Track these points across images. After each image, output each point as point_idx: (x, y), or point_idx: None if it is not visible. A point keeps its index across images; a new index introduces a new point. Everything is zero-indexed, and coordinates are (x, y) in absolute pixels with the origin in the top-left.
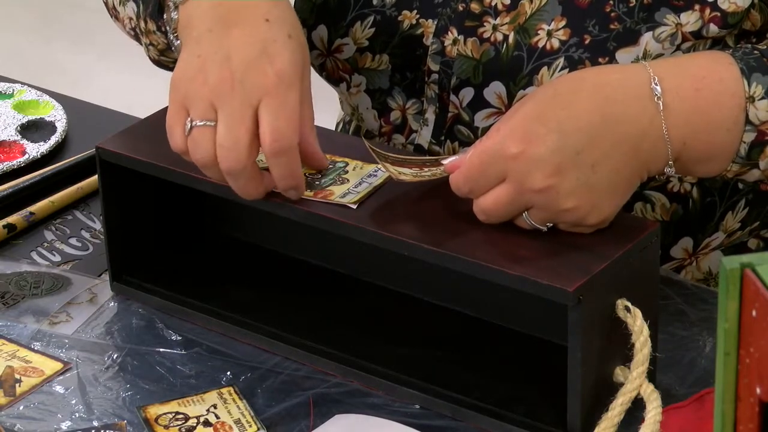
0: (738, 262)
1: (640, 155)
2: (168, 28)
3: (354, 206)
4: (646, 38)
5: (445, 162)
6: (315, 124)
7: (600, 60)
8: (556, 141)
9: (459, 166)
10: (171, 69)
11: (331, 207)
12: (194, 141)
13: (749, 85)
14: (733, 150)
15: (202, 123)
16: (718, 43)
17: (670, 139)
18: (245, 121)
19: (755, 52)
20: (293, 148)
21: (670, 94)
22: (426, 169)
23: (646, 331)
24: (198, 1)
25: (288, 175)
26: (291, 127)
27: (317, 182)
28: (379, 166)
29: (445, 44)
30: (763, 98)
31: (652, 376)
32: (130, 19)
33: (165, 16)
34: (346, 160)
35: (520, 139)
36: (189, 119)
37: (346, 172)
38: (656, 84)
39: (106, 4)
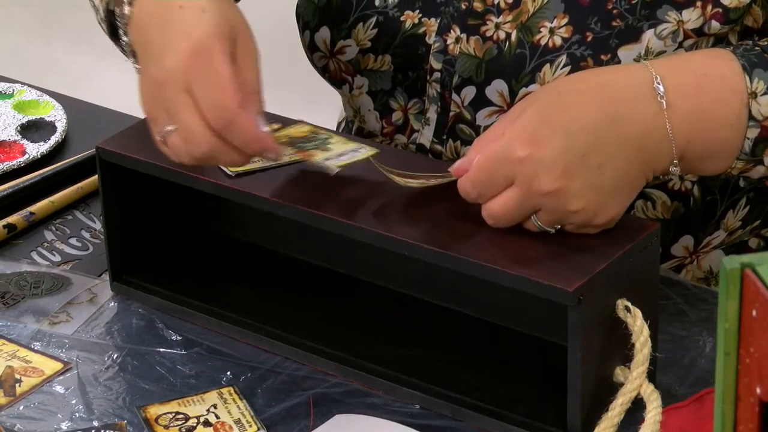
0: (738, 262)
1: (645, 155)
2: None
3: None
4: (648, 35)
5: (450, 168)
6: (315, 123)
7: (602, 57)
8: (562, 143)
9: (466, 168)
10: None
11: (331, 205)
12: (170, 149)
13: (751, 81)
14: (737, 146)
15: (168, 129)
16: (721, 41)
17: (674, 137)
18: (186, 106)
19: (756, 48)
20: (237, 115)
21: (672, 93)
22: (433, 180)
23: (646, 331)
24: (139, 21)
25: (249, 139)
26: (224, 96)
27: (299, 144)
28: (364, 144)
29: (448, 42)
30: (765, 94)
31: (652, 376)
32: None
33: (121, 41)
34: (329, 133)
35: (526, 143)
36: (157, 133)
37: (330, 143)
38: (659, 83)
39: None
